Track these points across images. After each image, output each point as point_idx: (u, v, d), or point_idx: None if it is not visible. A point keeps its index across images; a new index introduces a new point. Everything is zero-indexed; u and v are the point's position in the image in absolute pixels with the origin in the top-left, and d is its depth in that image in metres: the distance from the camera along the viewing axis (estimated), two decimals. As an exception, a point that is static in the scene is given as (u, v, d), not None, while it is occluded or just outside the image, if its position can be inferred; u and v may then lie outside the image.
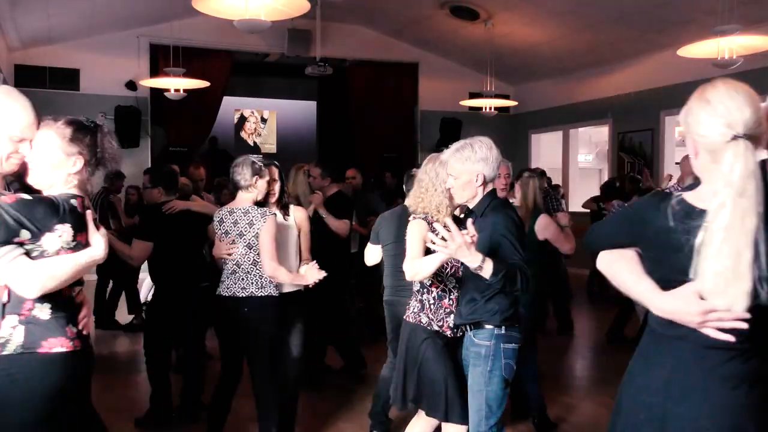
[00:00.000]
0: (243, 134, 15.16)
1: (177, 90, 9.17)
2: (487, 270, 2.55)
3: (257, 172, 3.54)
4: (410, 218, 3.10)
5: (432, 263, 2.73)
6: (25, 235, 2.02)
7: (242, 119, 15.17)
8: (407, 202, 3.32)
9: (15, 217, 2.01)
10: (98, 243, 2.20)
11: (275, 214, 3.61)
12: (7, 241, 2.01)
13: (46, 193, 2.19)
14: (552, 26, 9.42)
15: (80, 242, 2.14)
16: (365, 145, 11.96)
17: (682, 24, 8.14)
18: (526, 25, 9.59)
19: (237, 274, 3.53)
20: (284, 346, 3.74)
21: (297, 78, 11.99)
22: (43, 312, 2.12)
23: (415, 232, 2.96)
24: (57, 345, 2.11)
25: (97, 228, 2.25)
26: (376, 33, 11.35)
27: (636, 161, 10.37)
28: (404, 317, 3.14)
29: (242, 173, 3.52)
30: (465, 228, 2.53)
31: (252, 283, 3.53)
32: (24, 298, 2.09)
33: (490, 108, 10.36)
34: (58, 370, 2.11)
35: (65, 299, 2.17)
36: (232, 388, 3.67)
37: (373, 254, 3.95)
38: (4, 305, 2.13)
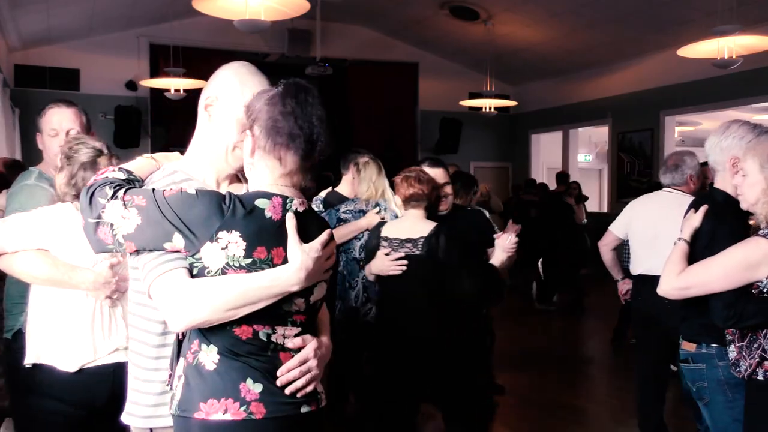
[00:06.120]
0: (243, 134, 15.14)
1: (177, 90, 9.15)
2: None
3: None
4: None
5: None
6: (177, 241, 1.43)
7: (242, 119, 15.14)
8: None
9: (169, 215, 1.42)
10: (294, 262, 1.46)
11: None
12: (158, 247, 1.45)
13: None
14: (552, 26, 9.42)
15: (262, 260, 1.46)
16: (365, 145, 11.91)
17: (682, 24, 8.13)
18: (526, 25, 9.58)
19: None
20: None
21: (297, 78, 11.97)
22: (209, 356, 1.46)
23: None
24: (218, 410, 1.43)
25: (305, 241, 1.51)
26: (376, 33, 11.34)
27: (636, 161, 10.37)
28: (745, 378, 2.22)
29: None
30: None
31: None
32: (193, 335, 1.48)
33: (490, 108, 10.35)
34: None
35: (246, 341, 1.47)
36: None
37: None
38: (180, 341, 1.53)
